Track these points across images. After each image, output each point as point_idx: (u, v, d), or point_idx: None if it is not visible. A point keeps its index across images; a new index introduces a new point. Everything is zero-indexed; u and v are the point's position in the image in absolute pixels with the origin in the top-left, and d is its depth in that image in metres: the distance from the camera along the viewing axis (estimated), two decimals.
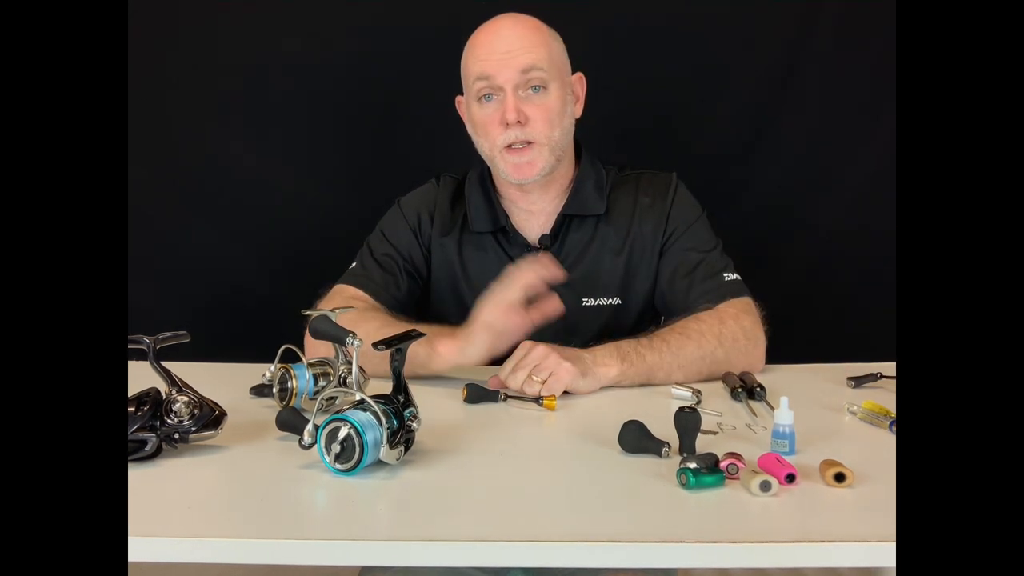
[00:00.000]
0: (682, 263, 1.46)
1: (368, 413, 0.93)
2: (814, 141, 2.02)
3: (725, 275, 1.44)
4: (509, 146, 1.41)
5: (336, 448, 0.92)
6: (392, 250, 1.52)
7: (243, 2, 2.01)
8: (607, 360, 1.27)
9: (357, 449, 0.91)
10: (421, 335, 1.03)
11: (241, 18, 2.01)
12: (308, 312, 1.20)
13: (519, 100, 1.39)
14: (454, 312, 1.48)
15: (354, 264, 1.53)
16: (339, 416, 0.93)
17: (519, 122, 1.38)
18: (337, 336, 1.00)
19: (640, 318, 1.49)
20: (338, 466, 0.93)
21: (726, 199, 2.03)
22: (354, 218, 2.01)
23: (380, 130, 2.05)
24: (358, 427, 0.91)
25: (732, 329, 1.35)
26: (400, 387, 1.00)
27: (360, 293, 1.47)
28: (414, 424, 0.98)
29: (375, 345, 0.97)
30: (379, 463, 0.93)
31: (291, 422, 1.03)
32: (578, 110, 1.50)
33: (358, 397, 0.95)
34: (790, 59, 1.99)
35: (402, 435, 0.96)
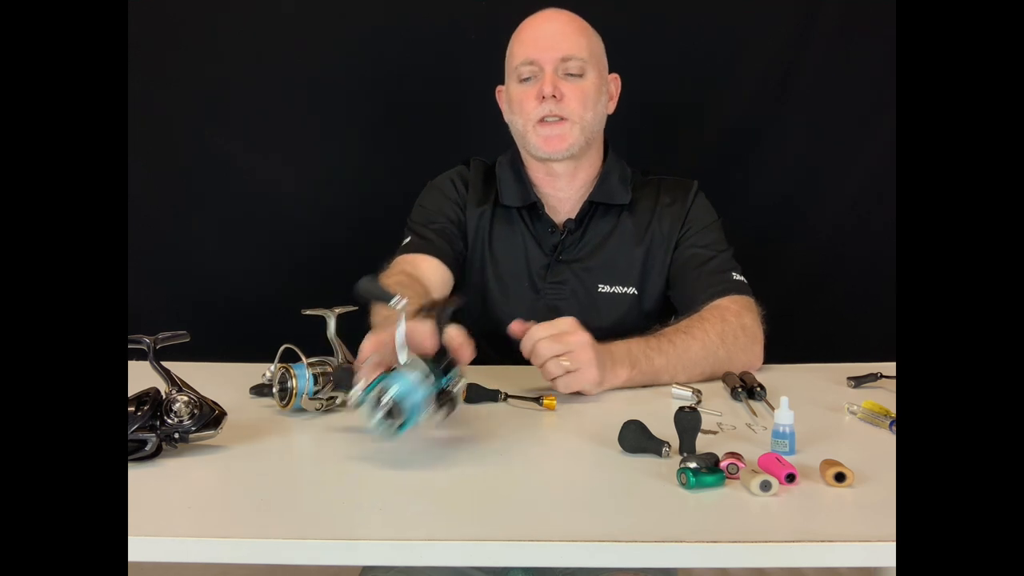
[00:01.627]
0: (693, 257, 1.51)
1: (417, 371, 0.93)
2: (814, 141, 2.02)
3: (733, 274, 1.48)
4: (542, 120, 1.46)
5: (384, 408, 0.92)
6: (439, 216, 1.55)
7: (243, 2, 2.01)
8: (619, 367, 1.26)
9: (405, 410, 0.92)
10: (459, 305, 1.04)
11: (241, 18, 2.01)
12: (308, 312, 1.21)
13: (557, 79, 1.46)
14: (478, 281, 1.53)
15: (407, 239, 1.54)
16: (389, 376, 0.92)
17: (555, 96, 1.44)
18: (381, 296, 0.99)
19: (654, 311, 1.52)
20: (385, 425, 0.92)
21: (726, 199, 2.01)
22: (354, 218, 2.02)
23: (381, 130, 2.05)
24: (406, 386, 0.91)
25: (733, 327, 1.37)
26: (443, 351, 0.99)
27: (421, 256, 1.48)
28: (459, 385, 0.97)
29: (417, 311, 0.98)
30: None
31: (347, 381, 1.03)
32: (611, 107, 1.56)
33: (405, 359, 0.94)
34: (790, 59, 1.99)
35: (447, 397, 0.96)
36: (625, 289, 1.51)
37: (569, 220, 1.53)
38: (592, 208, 1.53)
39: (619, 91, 1.58)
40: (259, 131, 2.04)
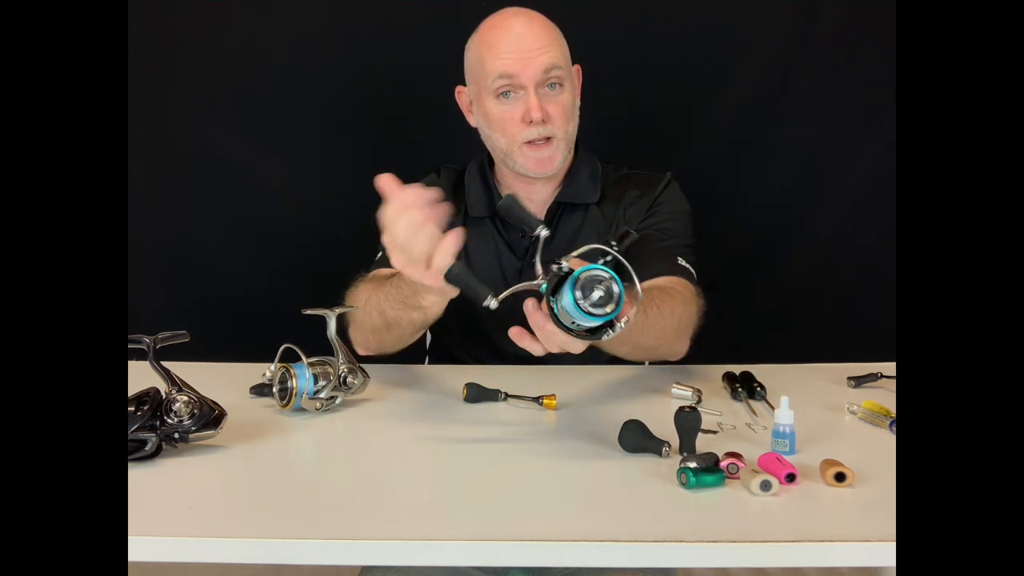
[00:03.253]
0: (647, 237, 1.46)
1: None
2: (814, 141, 2.02)
3: (680, 259, 1.44)
4: (530, 142, 1.44)
5: (599, 293, 0.92)
6: None
7: (244, 2, 2.01)
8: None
9: (615, 297, 0.93)
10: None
11: (241, 18, 2.01)
12: (309, 312, 1.21)
13: (540, 98, 1.42)
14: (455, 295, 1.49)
15: (379, 255, 1.53)
16: (599, 268, 0.94)
17: (543, 120, 1.42)
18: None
19: None
20: (594, 311, 0.92)
21: (726, 199, 2.03)
22: (354, 218, 2.01)
23: (381, 130, 2.05)
24: (617, 279, 0.93)
25: (688, 314, 1.34)
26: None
27: (391, 271, 1.44)
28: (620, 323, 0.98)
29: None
30: None
31: (464, 277, 1.02)
32: (578, 102, 1.53)
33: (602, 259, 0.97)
34: (789, 59, 1.99)
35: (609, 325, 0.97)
36: None
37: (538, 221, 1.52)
38: (560, 208, 1.52)
39: (581, 81, 1.53)
40: (259, 131, 2.03)
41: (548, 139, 1.44)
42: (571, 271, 0.94)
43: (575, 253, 0.99)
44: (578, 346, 1.00)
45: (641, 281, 1.38)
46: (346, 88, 2.03)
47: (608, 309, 0.93)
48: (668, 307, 1.30)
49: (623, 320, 0.96)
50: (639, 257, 1.45)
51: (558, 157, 1.46)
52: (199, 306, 2.05)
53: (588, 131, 1.57)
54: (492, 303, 0.99)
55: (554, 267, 0.96)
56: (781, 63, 1.99)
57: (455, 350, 1.56)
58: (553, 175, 1.50)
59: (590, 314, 0.93)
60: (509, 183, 1.54)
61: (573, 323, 0.95)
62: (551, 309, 0.96)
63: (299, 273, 2.05)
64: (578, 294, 0.92)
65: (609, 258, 1.00)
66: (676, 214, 1.52)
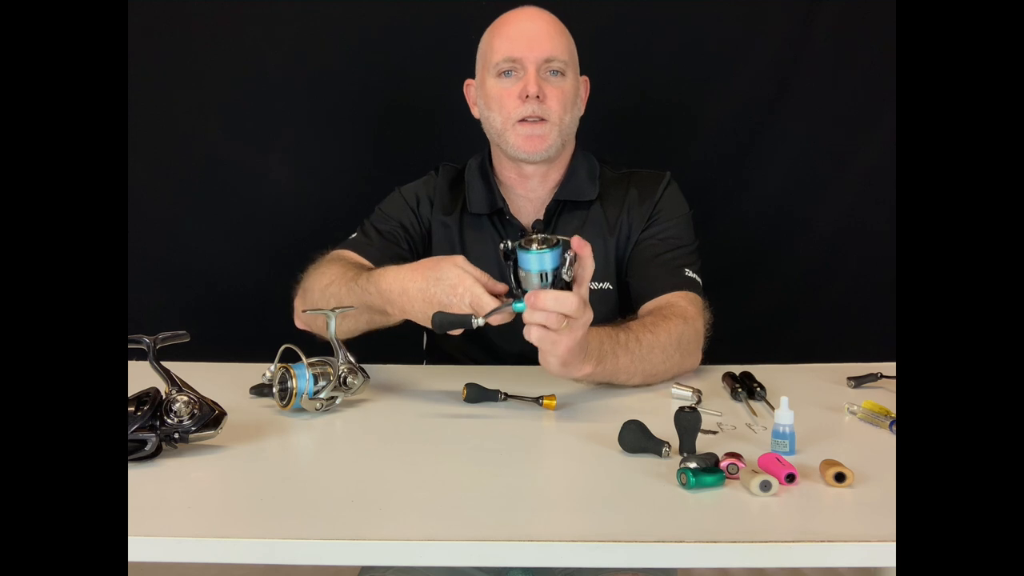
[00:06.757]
0: (650, 248, 1.49)
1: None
2: (813, 141, 2.02)
3: (686, 271, 1.46)
4: (523, 120, 1.45)
5: (540, 237, 1.11)
6: (394, 223, 1.55)
7: (244, 2, 2.01)
8: (586, 362, 1.19)
9: (551, 238, 1.10)
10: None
11: (242, 18, 2.01)
12: (309, 312, 1.21)
13: (539, 79, 1.45)
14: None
15: (355, 234, 1.54)
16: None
17: (538, 97, 1.43)
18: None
19: (623, 304, 1.51)
20: (542, 249, 1.10)
21: (725, 200, 2.04)
22: (354, 218, 2.02)
23: (381, 129, 2.06)
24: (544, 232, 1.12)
25: (689, 331, 1.34)
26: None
27: (356, 256, 1.47)
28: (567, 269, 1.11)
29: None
30: None
31: (447, 319, 1.15)
32: (580, 109, 1.54)
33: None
34: (789, 60, 1.99)
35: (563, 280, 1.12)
36: (600, 285, 1.49)
37: (537, 221, 1.52)
38: (559, 206, 1.52)
39: (588, 94, 1.56)
40: (259, 131, 2.04)
41: (542, 120, 1.45)
42: (512, 249, 1.13)
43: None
44: (570, 301, 1.07)
45: (651, 299, 1.42)
46: (346, 88, 2.03)
47: (554, 242, 1.09)
48: (664, 329, 1.31)
49: (570, 254, 1.09)
50: (645, 274, 1.47)
51: (549, 139, 1.46)
52: (199, 306, 2.05)
53: (588, 131, 1.57)
54: (480, 321, 1.13)
55: (502, 247, 1.14)
56: (781, 63, 2.00)
57: (453, 352, 1.56)
58: (540, 167, 1.50)
59: (543, 249, 1.09)
60: (506, 179, 1.54)
61: (543, 276, 1.10)
62: (524, 292, 1.12)
63: (299, 273, 2.05)
64: (527, 245, 1.09)
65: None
66: (677, 219, 1.52)
